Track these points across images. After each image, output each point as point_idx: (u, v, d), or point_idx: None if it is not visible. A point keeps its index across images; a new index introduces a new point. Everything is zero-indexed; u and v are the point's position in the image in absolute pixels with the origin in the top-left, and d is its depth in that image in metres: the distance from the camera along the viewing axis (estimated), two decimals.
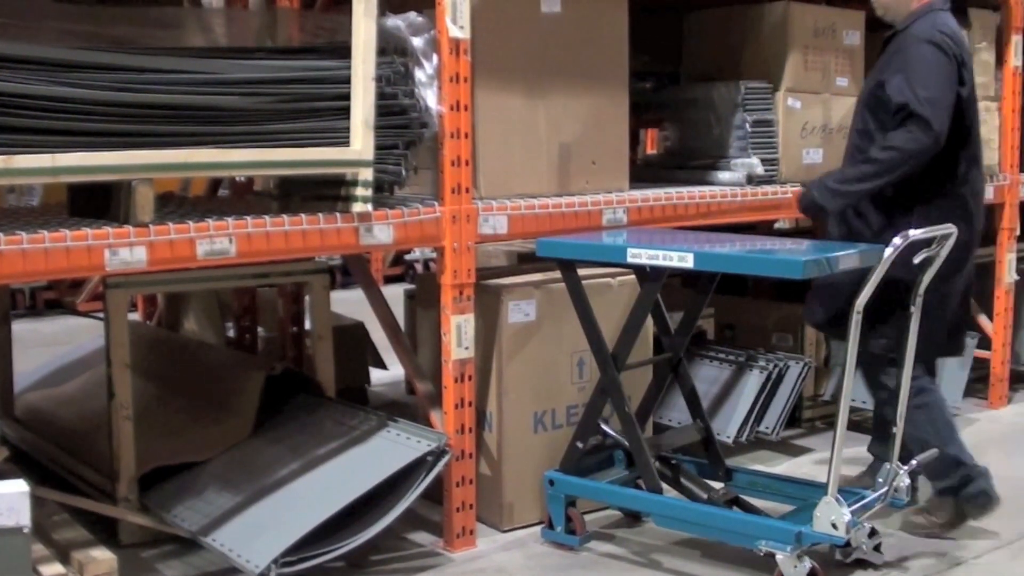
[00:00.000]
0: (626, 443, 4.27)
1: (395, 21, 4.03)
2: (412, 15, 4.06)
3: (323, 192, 3.98)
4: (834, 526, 3.75)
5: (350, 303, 6.24)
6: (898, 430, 4.10)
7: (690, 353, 4.71)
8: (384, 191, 4.07)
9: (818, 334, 5.76)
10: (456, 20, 4.08)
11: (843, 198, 4.29)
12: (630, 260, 4.05)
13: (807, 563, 3.78)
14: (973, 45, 5.90)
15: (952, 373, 5.96)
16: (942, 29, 4.26)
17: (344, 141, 3.86)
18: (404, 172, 4.04)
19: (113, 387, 4.22)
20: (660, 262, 3.97)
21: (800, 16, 5.25)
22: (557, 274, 4.36)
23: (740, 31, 5.29)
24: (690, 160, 5.46)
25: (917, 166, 4.17)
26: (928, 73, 4.17)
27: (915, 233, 3.82)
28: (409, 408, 5.14)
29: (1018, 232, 6.31)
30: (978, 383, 6.39)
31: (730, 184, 5.14)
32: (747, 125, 5.19)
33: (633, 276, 4.58)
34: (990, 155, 6.05)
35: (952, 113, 4.18)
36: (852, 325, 3.73)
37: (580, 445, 4.31)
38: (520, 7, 4.49)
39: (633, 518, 4.55)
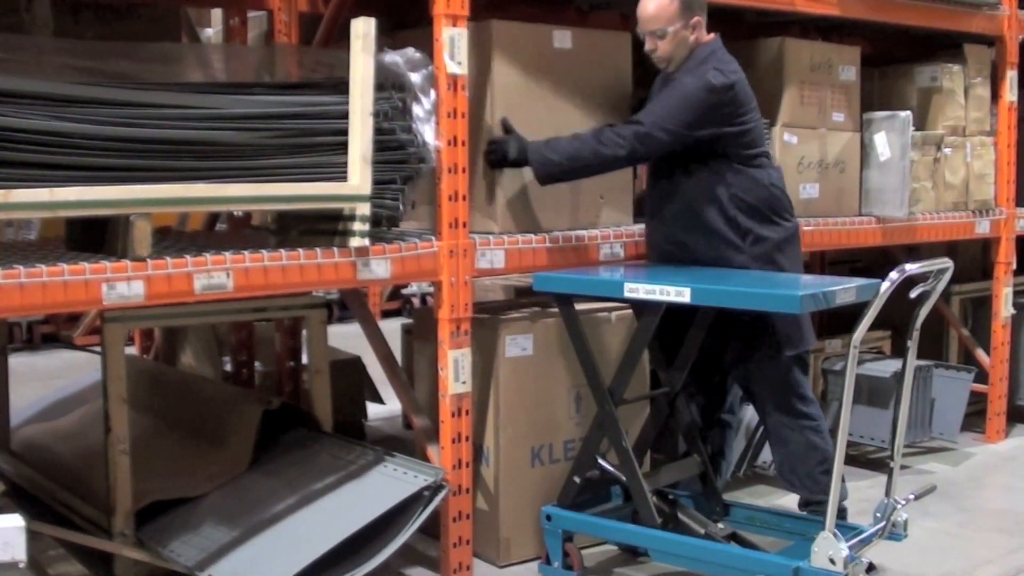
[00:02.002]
0: (623, 478, 4.26)
1: (393, 57, 4.05)
2: (410, 51, 4.07)
3: (321, 227, 3.98)
4: (832, 561, 3.74)
5: (347, 337, 6.24)
6: (895, 464, 4.10)
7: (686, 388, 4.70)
8: (382, 226, 4.07)
9: (814, 368, 5.76)
10: (454, 56, 4.11)
11: (549, 169, 4.36)
12: (627, 295, 4.05)
13: None
14: (968, 80, 5.94)
15: (949, 407, 5.97)
16: (718, 66, 4.35)
17: (342, 176, 3.87)
18: (402, 207, 4.05)
19: (109, 421, 4.20)
20: (657, 297, 3.97)
21: (796, 52, 5.28)
22: (554, 308, 4.36)
23: None
24: None
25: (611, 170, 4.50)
26: (677, 110, 4.29)
27: (911, 267, 3.83)
28: (406, 443, 5.13)
29: (1015, 266, 6.32)
30: (975, 417, 6.38)
31: None
32: None
33: (630, 310, 4.59)
34: (986, 190, 6.08)
35: (700, 145, 4.33)
36: (849, 360, 3.73)
37: (577, 480, 4.31)
38: (535, 42, 4.52)
39: (631, 553, 4.54)
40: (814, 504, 4.36)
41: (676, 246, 4.47)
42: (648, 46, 4.41)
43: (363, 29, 3.86)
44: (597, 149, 4.31)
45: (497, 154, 4.39)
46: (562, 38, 4.58)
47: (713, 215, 4.36)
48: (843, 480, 4.19)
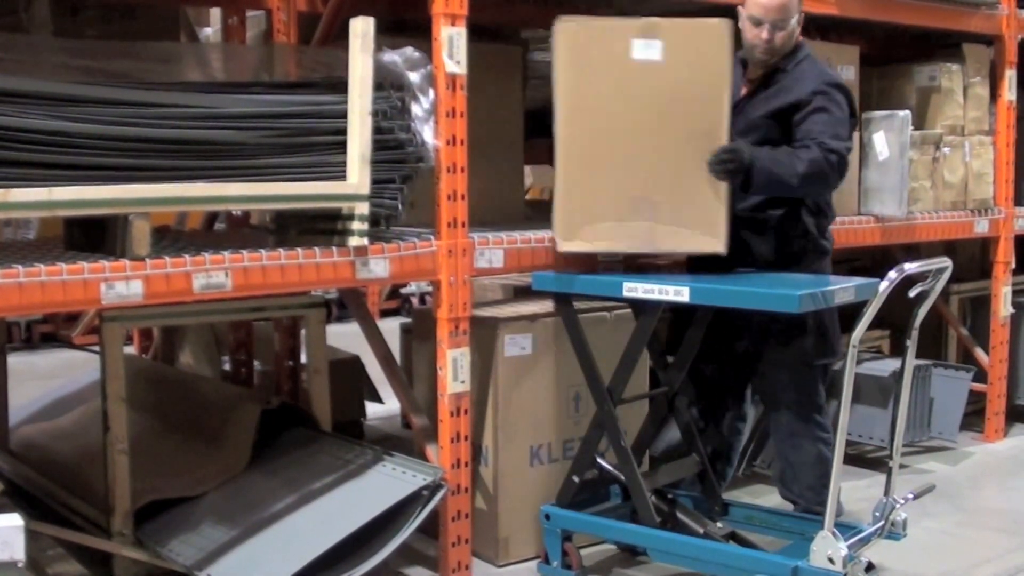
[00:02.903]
0: (622, 477, 4.26)
1: (392, 56, 4.04)
2: (409, 50, 4.07)
3: (319, 226, 3.98)
4: (831, 560, 3.74)
5: (346, 337, 6.23)
6: (894, 463, 4.10)
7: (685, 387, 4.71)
8: (380, 225, 4.07)
9: None
10: (452, 55, 4.10)
11: (769, 186, 4.24)
12: (626, 294, 4.05)
13: None
14: (967, 79, 5.94)
15: (948, 407, 5.97)
16: (828, 70, 4.51)
17: (341, 175, 3.87)
18: (400, 206, 4.05)
19: (108, 421, 4.20)
20: (656, 296, 3.97)
21: None
22: (553, 308, 4.35)
23: None
24: None
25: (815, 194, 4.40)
26: (845, 125, 4.34)
27: (910, 266, 3.82)
28: (405, 442, 5.13)
29: (1014, 265, 6.33)
30: (974, 416, 6.38)
31: None
32: None
33: (629, 309, 4.59)
34: (985, 189, 6.07)
35: None
36: (849, 359, 3.73)
37: (576, 479, 4.31)
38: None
39: (630, 553, 4.54)
40: (812, 515, 4.35)
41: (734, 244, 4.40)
42: (764, 36, 4.31)
43: (362, 28, 3.86)
44: (826, 173, 4.21)
45: (737, 162, 4.11)
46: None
47: (792, 222, 4.40)
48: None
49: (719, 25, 4.12)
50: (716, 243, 4.19)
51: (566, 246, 4.28)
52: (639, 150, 4.19)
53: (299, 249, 3.83)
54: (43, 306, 3.43)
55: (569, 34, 4.21)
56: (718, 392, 4.68)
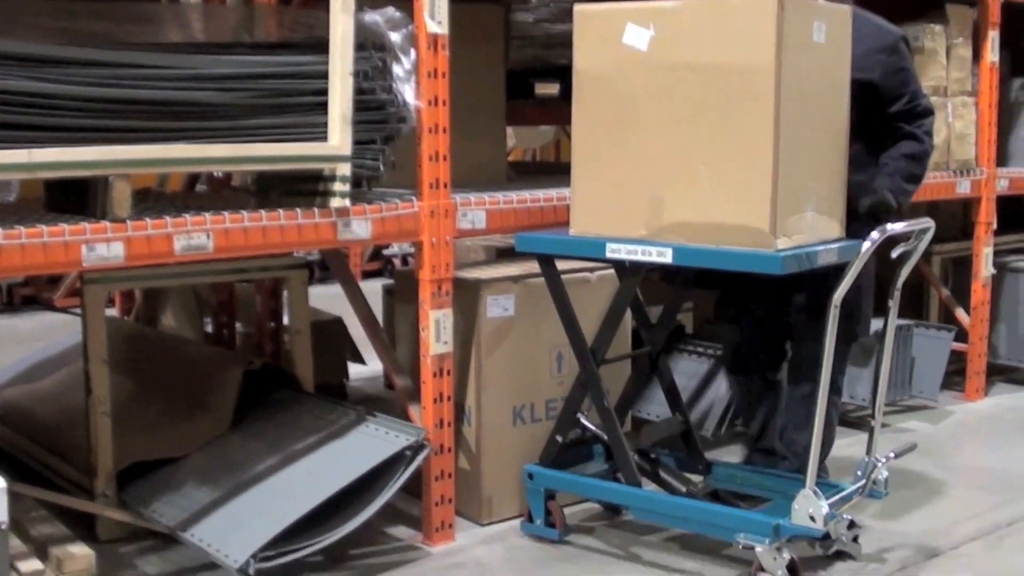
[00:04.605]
0: (605, 437, 4.28)
1: (373, 16, 4.02)
2: (390, 10, 4.05)
3: (301, 187, 3.97)
4: (812, 519, 3.76)
5: (328, 298, 6.23)
6: (876, 423, 4.13)
7: (669, 347, 4.72)
8: (362, 186, 4.06)
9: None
10: (434, 15, 4.08)
11: (907, 197, 4.35)
12: (609, 255, 4.05)
13: (786, 555, 3.79)
14: (950, 40, 5.93)
15: (929, 366, 6.00)
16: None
17: (322, 136, 3.85)
18: (382, 167, 4.04)
19: (91, 383, 4.20)
20: (639, 257, 3.97)
21: None
22: (536, 269, 4.36)
23: None
24: None
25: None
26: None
27: (893, 227, 3.83)
28: (388, 403, 5.13)
29: (995, 226, 6.34)
30: (955, 376, 6.42)
31: None
32: None
33: (612, 270, 4.59)
34: (967, 150, 6.08)
35: None
36: (830, 319, 3.74)
37: (559, 439, 4.32)
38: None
39: (613, 511, 4.56)
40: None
41: None
42: None
43: None
44: (930, 153, 4.41)
45: (880, 210, 4.20)
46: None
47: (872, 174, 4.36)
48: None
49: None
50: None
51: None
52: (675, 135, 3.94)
53: (280, 210, 3.82)
54: (24, 269, 3.42)
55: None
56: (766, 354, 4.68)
